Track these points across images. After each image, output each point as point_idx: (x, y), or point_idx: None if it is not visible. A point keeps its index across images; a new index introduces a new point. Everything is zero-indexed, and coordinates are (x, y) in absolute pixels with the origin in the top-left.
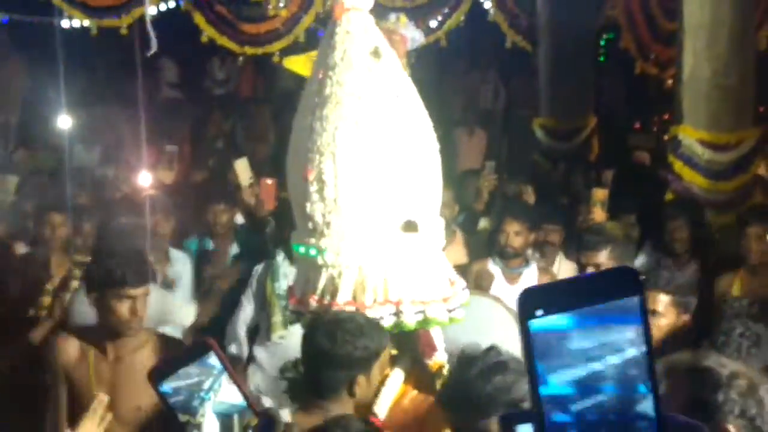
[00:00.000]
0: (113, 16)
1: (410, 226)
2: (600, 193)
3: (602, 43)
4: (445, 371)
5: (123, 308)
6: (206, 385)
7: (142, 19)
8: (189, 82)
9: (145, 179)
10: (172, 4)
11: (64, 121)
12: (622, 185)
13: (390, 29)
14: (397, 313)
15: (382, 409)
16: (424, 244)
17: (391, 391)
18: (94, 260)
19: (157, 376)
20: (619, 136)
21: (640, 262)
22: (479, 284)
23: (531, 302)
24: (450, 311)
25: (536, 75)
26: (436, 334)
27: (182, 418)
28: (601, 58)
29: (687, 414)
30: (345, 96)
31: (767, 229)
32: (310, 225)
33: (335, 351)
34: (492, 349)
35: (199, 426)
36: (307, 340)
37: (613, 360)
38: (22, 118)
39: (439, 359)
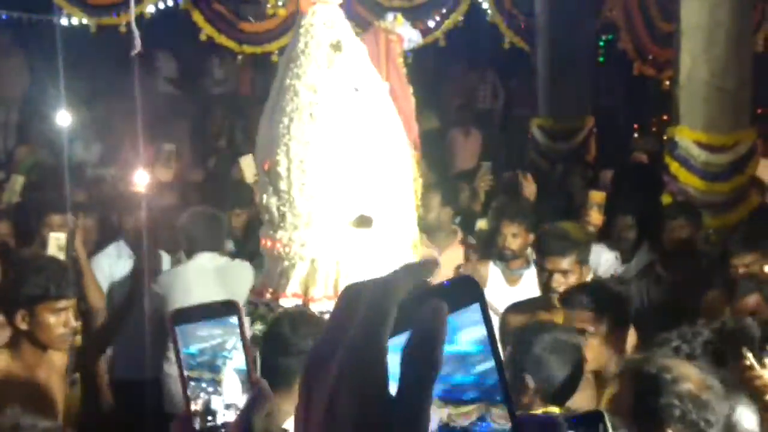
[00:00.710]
0: (112, 14)
1: (363, 221)
2: (597, 196)
3: (601, 44)
4: None
5: (59, 321)
6: (228, 345)
7: (140, 17)
8: (188, 80)
9: (142, 177)
10: (170, 2)
11: (64, 119)
12: (620, 186)
13: (387, 29)
14: None
15: None
16: (383, 239)
17: None
18: (19, 275)
19: (176, 317)
20: (617, 137)
21: (636, 262)
22: None
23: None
24: None
25: (535, 75)
26: None
27: (206, 375)
28: (600, 59)
29: (632, 417)
30: (301, 88)
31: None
32: (267, 217)
33: (295, 340)
34: None
35: (220, 383)
36: (270, 328)
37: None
38: (22, 115)
39: None
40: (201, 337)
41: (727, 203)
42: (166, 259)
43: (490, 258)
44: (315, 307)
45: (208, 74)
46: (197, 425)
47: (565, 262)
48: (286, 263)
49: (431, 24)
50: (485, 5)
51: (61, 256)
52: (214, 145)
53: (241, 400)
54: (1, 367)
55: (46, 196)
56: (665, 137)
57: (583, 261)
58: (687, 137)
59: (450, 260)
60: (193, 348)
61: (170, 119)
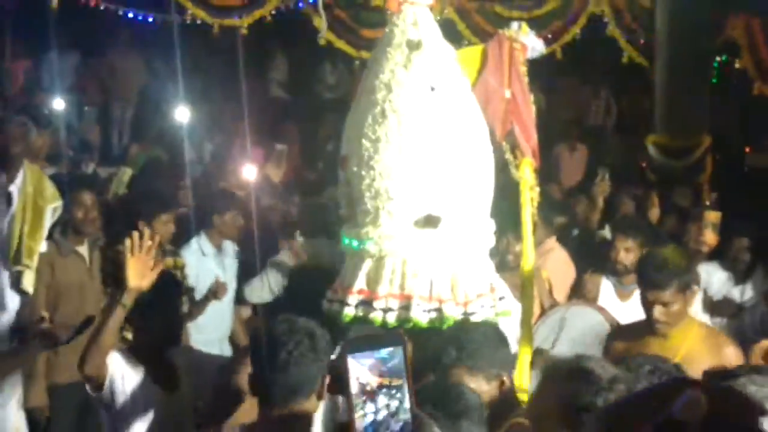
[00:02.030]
0: (234, 16)
1: (430, 221)
2: (712, 215)
3: (715, 65)
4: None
5: None
6: (395, 373)
7: (261, 20)
8: (299, 84)
9: (250, 173)
10: (292, 6)
11: (178, 117)
12: (735, 207)
13: (512, 37)
14: (406, 307)
15: None
16: (453, 241)
17: None
18: None
19: (350, 347)
20: (733, 157)
21: (750, 287)
22: (583, 294)
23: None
24: (468, 315)
25: (648, 92)
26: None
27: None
28: (714, 80)
29: (566, 417)
30: (378, 85)
31: None
32: (342, 213)
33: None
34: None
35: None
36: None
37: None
38: (138, 112)
39: None
40: (385, 371)
41: None
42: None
43: (603, 272)
44: (378, 305)
45: (320, 79)
46: None
47: (666, 295)
48: (356, 259)
49: (549, 36)
50: (604, 19)
51: None
52: (323, 150)
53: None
54: None
55: (151, 192)
56: None
57: (684, 288)
58: None
59: (556, 262)
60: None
61: (280, 122)
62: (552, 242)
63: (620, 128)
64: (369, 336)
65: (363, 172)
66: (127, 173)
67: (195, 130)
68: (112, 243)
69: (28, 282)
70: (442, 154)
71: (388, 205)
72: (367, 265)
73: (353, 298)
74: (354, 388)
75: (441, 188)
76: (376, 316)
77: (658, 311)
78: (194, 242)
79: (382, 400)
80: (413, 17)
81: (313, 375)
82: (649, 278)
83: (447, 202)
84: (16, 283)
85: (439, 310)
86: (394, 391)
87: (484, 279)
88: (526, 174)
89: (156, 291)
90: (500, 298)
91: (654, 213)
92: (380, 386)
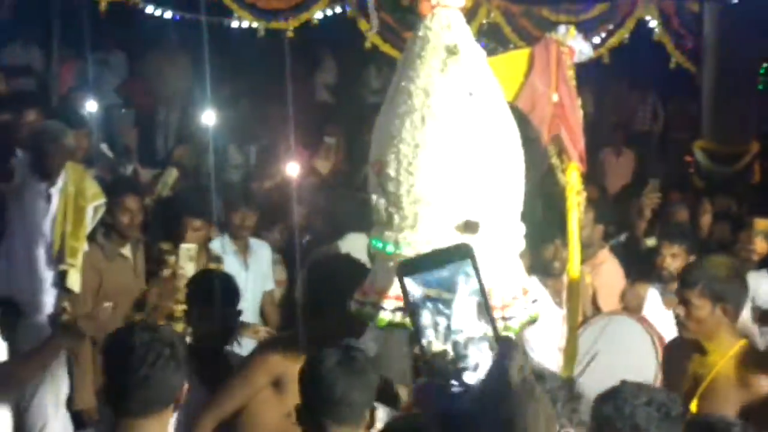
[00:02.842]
0: (280, 19)
1: (469, 227)
2: (762, 224)
3: (762, 71)
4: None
5: None
6: (461, 286)
7: (307, 23)
8: (345, 88)
9: (296, 168)
10: (338, 10)
11: (222, 120)
12: None
13: (559, 40)
14: None
15: None
16: (489, 246)
17: None
18: None
19: (404, 268)
20: None
21: None
22: (626, 304)
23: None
24: (506, 319)
25: (696, 97)
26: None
27: (442, 319)
28: (760, 86)
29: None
30: (415, 90)
31: None
32: (375, 217)
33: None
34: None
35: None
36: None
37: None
38: (183, 115)
39: None
40: (432, 281)
41: None
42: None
43: (650, 280)
44: None
45: (364, 83)
46: (438, 364)
47: (689, 293)
48: (391, 264)
49: (596, 40)
50: (652, 24)
51: (191, 267)
52: (368, 154)
53: (479, 350)
54: None
55: (190, 196)
56: None
57: (715, 297)
58: None
59: (608, 274)
60: (430, 291)
61: (325, 125)
62: (605, 254)
63: (667, 134)
64: (429, 254)
65: (401, 178)
66: (172, 174)
67: (240, 133)
68: (155, 242)
69: (73, 281)
70: (480, 159)
71: (428, 210)
72: None
73: (389, 303)
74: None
75: (479, 193)
76: None
77: (679, 308)
78: (217, 242)
79: (426, 315)
80: (447, 20)
81: (174, 386)
82: (680, 275)
83: (485, 207)
84: (60, 283)
85: None
86: (441, 306)
87: (517, 282)
88: (573, 178)
89: (213, 294)
90: (533, 301)
91: (706, 220)
92: (426, 297)
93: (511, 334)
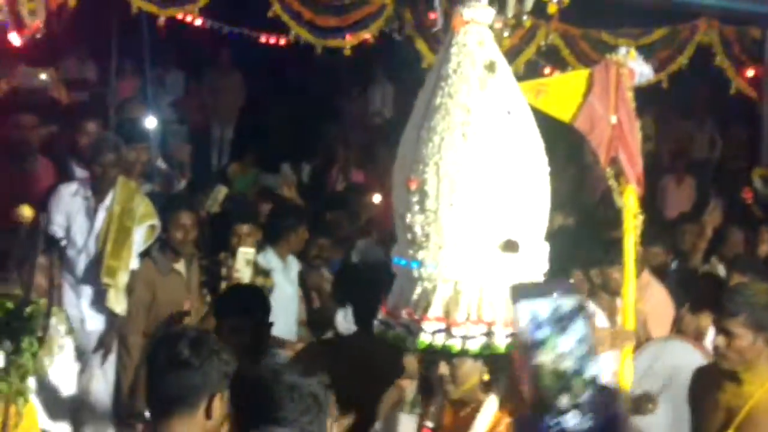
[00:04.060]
0: (338, 37)
1: (510, 246)
2: None
3: None
4: None
5: None
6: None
7: (363, 43)
8: (399, 107)
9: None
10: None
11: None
12: None
13: (619, 62)
14: (489, 334)
15: None
16: (524, 266)
17: (486, 419)
18: None
19: (518, 292)
20: None
21: None
22: (681, 329)
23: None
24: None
25: (754, 125)
26: None
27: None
28: None
29: None
30: (454, 107)
31: None
32: (409, 236)
33: (199, 362)
34: None
35: None
36: (165, 349)
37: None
38: (237, 132)
39: None
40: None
41: None
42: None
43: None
44: (457, 332)
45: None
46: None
47: (731, 323)
48: (428, 284)
49: (655, 65)
50: (713, 49)
51: (249, 270)
52: None
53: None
54: None
55: (238, 204)
56: None
57: (758, 326)
58: None
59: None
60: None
61: (379, 145)
62: (647, 276)
63: (723, 162)
64: (538, 283)
65: (442, 196)
66: (222, 191)
67: (293, 150)
68: (208, 256)
69: (113, 301)
70: (518, 178)
71: (469, 229)
72: (443, 290)
73: (430, 326)
74: (527, 333)
75: (517, 212)
76: (454, 343)
77: (719, 339)
78: (260, 258)
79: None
80: (480, 37)
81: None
82: (720, 303)
83: (521, 226)
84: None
85: (514, 335)
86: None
87: None
88: (630, 201)
89: (243, 306)
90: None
91: (764, 249)
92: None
93: None
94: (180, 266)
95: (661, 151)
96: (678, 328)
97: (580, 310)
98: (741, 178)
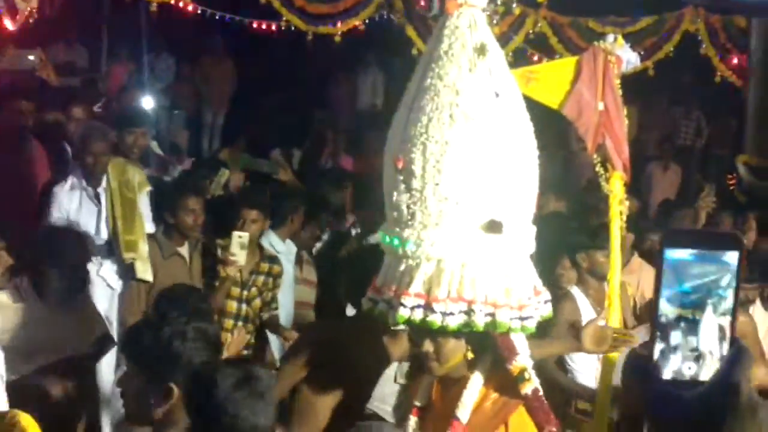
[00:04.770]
0: (329, 24)
1: (494, 227)
2: None
3: None
4: (526, 375)
5: None
6: (723, 283)
7: (353, 30)
8: (389, 94)
9: None
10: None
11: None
12: None
13: (607, 49)
14: (468, 312)
15: (464, 414)
16: (507, 246)
17: (472, 395)
18: None
19: (667, 240)
20: None
21: None
22: None
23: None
24: (523, 319)
25: (738, 113)
26: (518, 338)
27: (684, 312)
28: None
29: None
30: (443, 88)
31: None
32: (395, 214)
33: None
34: None
35: (698, 326)
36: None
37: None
38: (228, 118)
39: (521, 363)
40: (693, 274)
41: None
42: None
43: None
44: (438, 308)
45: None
46: (665, 374)
47: None
48: (411, 262)
49: (642, 53)
50: (698, 38)
51: (243, 255)
52: None
53: (716, 350)
54: None
55: (246, 189)
56: None
57: None
58: None
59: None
60: (687, 285)
61: (369, 131)
62: (638, 261)
63: (708, 149)
64: (697, 232)
65: (428, 175)
66: (224, 174)
67: (284, 137)
68: (212, 239)
69: (141, 271)
70: (505, 160)
71: (454, 208)
72: (425, 268)
73: (409, 300)
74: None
75: (502, 193)
76: (435, 319)
77: None
78: (264, 241)
79: (675, 336)
80: (473, 19)
81: None
82: None
83: (506, 208)
84: (126, 277)
85: (492, 315)
86: (691, 325)
87: (530, 282)
88: (616, 188)
89: None
90: (546, 301)
91: (751, 237)
92: (679, 317)
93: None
94: (183, 250)
95: (647, 138)
96: None
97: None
98: (726, 165)
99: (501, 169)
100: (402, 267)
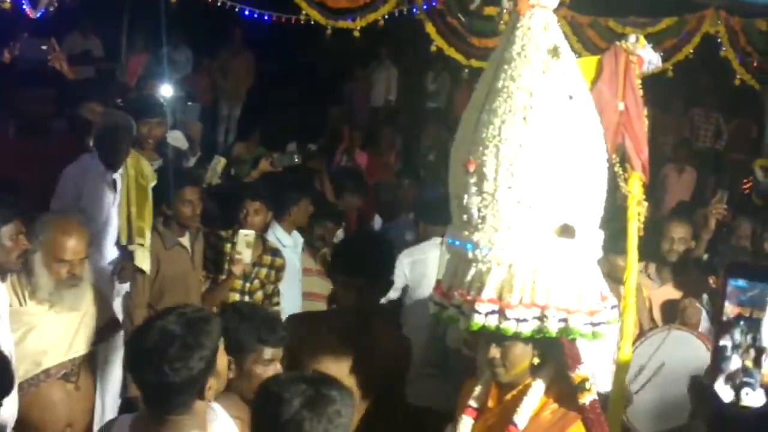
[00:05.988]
0: (348, 18)
1: (567, 231)
2: None
3: None
4: (587, 385)
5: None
6: None
7: (373, 24)
8: (405, 91)
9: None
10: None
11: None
12: None
13: (628, 49)
14: (542, 318)
15: (522, 420)
16: (579, 251)
17: (532, 402)
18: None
19: (731, 270)
20: None
21: None
22: (687, 320)
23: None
24: (594, 325)
25: (756, 117)
26: (583, 346)
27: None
28: None
29: None
30: (516, 90)
31: None
32: (465, 218)
33: (173, 380)
34: None
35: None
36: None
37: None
38: (245, 112)
39: (583, 372)
40: (745, 300)
41: None
42: None
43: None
44: (511, 314)
45: (422, 87)
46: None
47: None
48: (481, 266)
49: (661, 54)
50: (719, 40)
51: (249, 253)
52: (425, 159)
53: None
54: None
55: (247, 183)
56: None
57: None
58: None
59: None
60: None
61: (383, 127)
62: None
63: (725, 153)
64: (758, 266)
65: (500, 178)
66: (221, 162)
67: (300, 131)
68: (212, 230)
69: (140, 259)
70: (577, 164)
71: (526, 212)
72: (497, 272)
73: (483, 307)
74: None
75: (575, 197)
76: (509, 326)
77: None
78: (270, 234)
79: (736, 334)
80: (545, 21)
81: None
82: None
83: (577, 212)
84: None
85: (566, 321)
86: (751, 324)
87: (598, 288)
88: (635, 188)
89: None
90: (612, 307)
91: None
92: (739, 316)
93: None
94: (185, 240)
95: (664, 141)
96: (681, 318)
97: None
98: (744, 170)
99: (574, 172)
100: (472, 271)
